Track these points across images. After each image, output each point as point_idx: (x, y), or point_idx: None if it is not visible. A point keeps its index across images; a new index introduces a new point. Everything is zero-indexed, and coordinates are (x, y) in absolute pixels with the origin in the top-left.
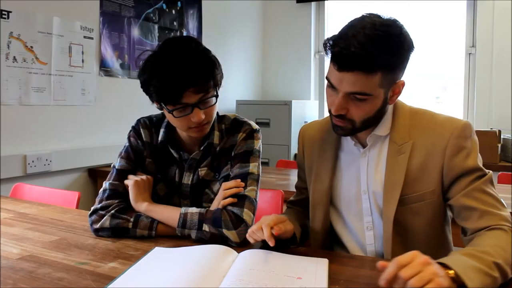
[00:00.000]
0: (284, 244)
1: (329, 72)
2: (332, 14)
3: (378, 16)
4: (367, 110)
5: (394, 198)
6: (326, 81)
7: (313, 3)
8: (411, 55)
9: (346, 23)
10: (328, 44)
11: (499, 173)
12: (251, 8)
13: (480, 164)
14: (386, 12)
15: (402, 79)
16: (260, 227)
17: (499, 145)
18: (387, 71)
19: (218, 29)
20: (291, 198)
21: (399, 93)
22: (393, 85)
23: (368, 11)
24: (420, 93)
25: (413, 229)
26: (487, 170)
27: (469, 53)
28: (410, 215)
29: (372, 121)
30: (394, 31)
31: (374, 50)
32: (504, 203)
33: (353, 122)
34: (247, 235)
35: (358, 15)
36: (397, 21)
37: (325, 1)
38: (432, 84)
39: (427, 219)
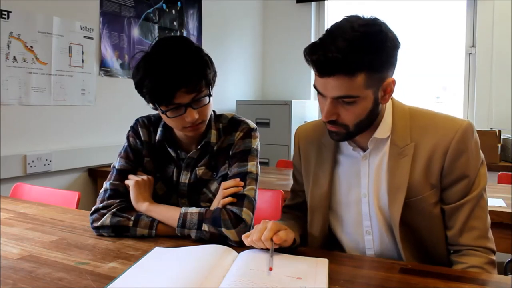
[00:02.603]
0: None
1: (315, 79)
2: (332, 14)
3: (358, 17)
4: (357, 113)
5: (399, 202)
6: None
7: (313, 3)
8: (397, 52)
9: (327, 28)
10: (306, 52)
11: (499, 173)
12: (251, 8)
13: (479, 163)
14: (385, 12)
15: (392, 77)
16: (260, 239)
17: (499, 145)
18: (370, 71)
19: (218, 29)
20: (287, 202)
21: (391, 91)
22: (381, 84)
23: (368, 11)
24: (420, 93)
25: (420, 230)
26: (484, 169)
27: (469, 53)
28: (416, 217)
29: (366, 124)
30: (374, 29)
31: (353, 52)
32: (489, 218)
33: (346, 126)
34: (246, 242)
35: (340, 19)
36: (378, 19)
37: (325, 1)
38: (432, 84)
39: (433, 220)
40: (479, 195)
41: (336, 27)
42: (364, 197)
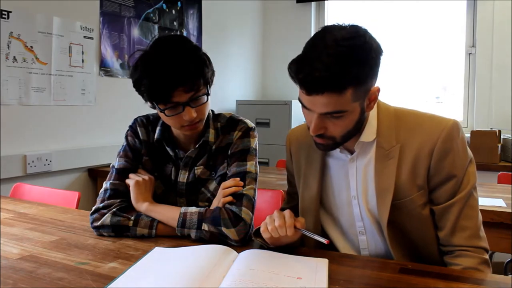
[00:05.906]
0: (285, 248)
1: (299, 94)
2: (332, 14)
3: (340, 28)
4: (345, 126)
5: (386, 204)
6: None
7: (313, 3)
8: (381, 59)
9: (308, 41)
10: (291, 69)
11: (499, 173)
12: (251, 8)
13: (467, 162)
14: (385, 12)
15: (376, 85)
16: (283, 225)
17: (499, 145)
18: (358, 85)
19: (218, 29)
20: (283, 206)
21: (375, 99)
22: (367, 94)
23: (368, 11)
24: (420, 93)
25: (409, 231)
26: (472, 167)
27: (469, 53)
28: (405, 219)
29: (353, 133)
30: (359, 42)
31: (340, 69)
32: (480, 216)
33: (333, 138)
34: (268, 229)
35: (320, 30)
36: (360, 28)
37: (325, 1)
38: (432, 84)
39: (422, 222)
40: (468, 194)
41: (319, 40)
42: (354, 199)
